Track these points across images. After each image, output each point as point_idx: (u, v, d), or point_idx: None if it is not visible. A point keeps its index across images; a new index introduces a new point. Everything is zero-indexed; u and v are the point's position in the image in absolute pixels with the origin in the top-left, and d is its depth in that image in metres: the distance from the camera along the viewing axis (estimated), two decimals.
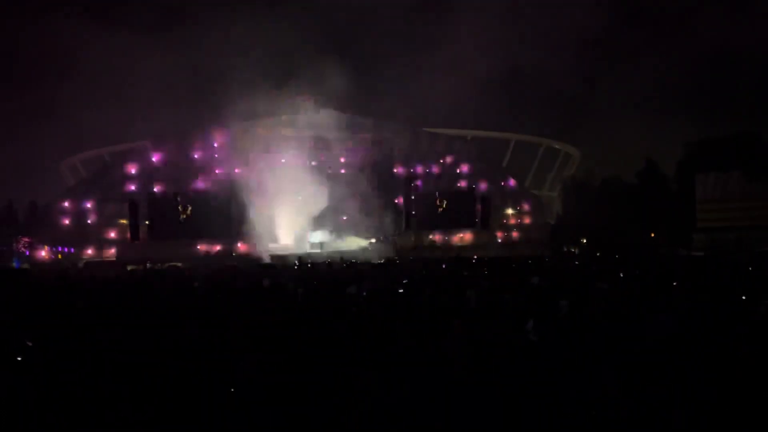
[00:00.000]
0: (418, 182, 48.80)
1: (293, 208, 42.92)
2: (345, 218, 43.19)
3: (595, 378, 5.31)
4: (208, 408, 5.34)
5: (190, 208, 41.14)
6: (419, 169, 49.43)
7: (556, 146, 65.15)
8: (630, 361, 5.81)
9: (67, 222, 41.57)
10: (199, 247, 40.84)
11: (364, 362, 6.10)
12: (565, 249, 42.81)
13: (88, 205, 42.82)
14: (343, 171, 44.56)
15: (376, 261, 29.62)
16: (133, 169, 43.44)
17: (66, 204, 43.30)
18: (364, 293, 11.82)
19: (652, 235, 42.82)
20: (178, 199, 40.57)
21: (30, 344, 7.34)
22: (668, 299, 9.63)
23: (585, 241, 43.23)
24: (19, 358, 6.74)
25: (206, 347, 6.90)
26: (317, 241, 42.98)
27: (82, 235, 40.88)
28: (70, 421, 5.25)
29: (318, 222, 43.92)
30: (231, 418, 5.34)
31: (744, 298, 9.60)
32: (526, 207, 52.80)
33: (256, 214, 41.50)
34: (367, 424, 4.92)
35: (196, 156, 44.29)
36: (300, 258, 30.95)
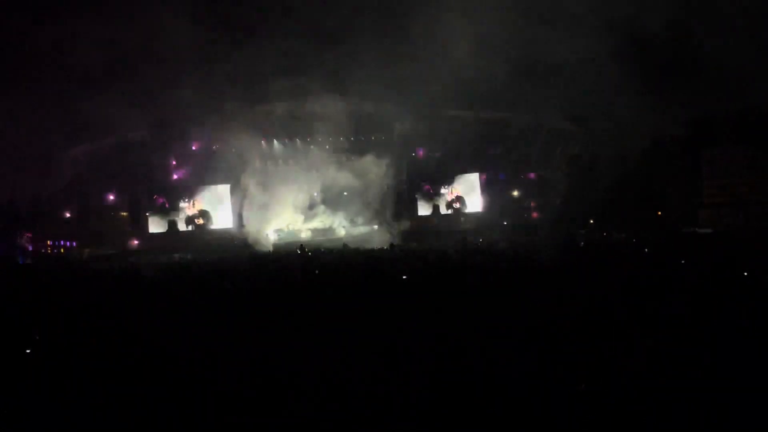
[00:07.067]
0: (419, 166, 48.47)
1: (295, 196, 42.69)
2: (347, 205, 42.97)
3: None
4: (208, 404, 5.22)
5: (193, 200, 41.04)
6: (420, 153, 49.03)
7: (560, 126, 64.54)
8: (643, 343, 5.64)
9: (68, 215, 41.50)
10: (199, 236, 40.73)
11: (368, 348, 6.02)
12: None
13: (89, 198, 42.73)
14: (343, 157, 44.19)
15: (378, 247, 29.41)
16: (133, 161, 43.16)
17: (67, 197, 43.23)
18: (368, 279, 11.67)
19: (659, 213, 42.52)
20: (178, 189, 40.46)
21: (37, 338, 7.57)
22: (678, 278, 9.45)
23: (592, 221, 42.95)
24: (27, 351, 6.86)
25: (207, 340, 6.85)
26: (320, 228, 42.88)
27: (83, 228, 40.83)
28: (71, 412, 5.28)
29: (320, 209, 43.78)
30: (232, 412, 5.22)
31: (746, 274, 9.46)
32: (531, 189, 52.44)
33: (258, 203, 41.35)
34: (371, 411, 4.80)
35: (194, 146, 43.95)
36: (302, 245, 30.79)
